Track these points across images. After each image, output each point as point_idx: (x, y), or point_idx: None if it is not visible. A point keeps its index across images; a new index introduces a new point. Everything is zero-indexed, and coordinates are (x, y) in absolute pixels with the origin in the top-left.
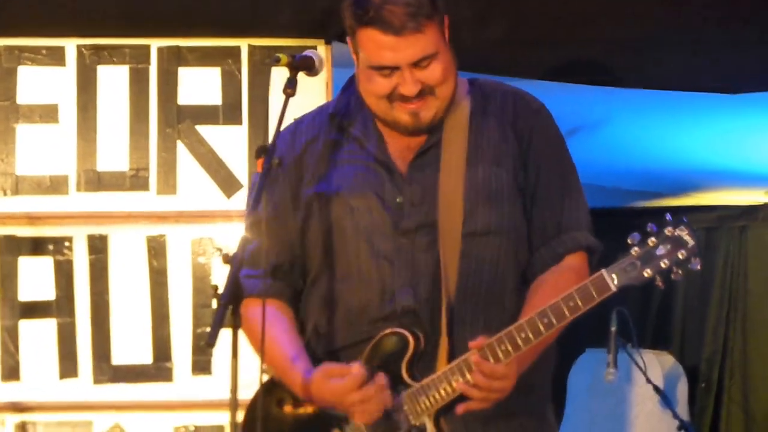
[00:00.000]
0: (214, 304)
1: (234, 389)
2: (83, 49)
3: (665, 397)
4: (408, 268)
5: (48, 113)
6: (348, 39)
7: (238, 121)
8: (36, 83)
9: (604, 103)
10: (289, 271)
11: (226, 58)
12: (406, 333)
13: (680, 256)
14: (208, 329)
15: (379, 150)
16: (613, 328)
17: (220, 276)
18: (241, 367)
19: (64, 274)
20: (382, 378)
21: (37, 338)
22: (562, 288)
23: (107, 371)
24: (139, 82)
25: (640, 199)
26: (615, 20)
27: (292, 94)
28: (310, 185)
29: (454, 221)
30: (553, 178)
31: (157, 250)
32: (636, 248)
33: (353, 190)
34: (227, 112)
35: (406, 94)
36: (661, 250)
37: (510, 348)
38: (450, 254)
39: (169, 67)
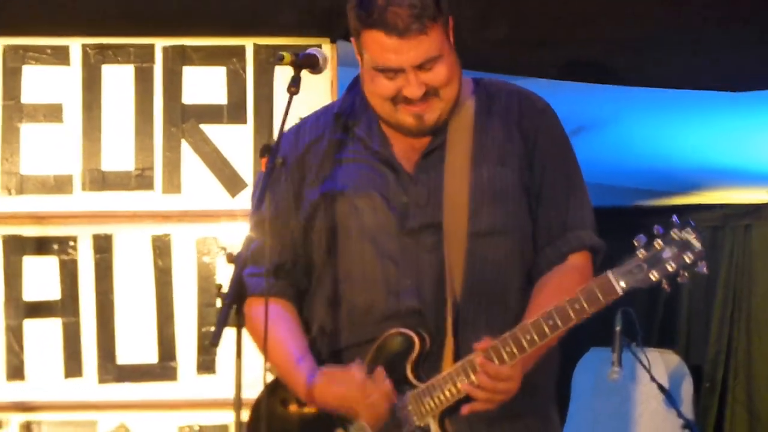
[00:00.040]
0: (219, 303)
1: (238, 388)
2: (88, 49)
3: (670, 397)
4: (413, 268)
5: (52, 113)
6: (352, 40)
7: (243, 120)
8: (40, 83)
9: (609, 102)
10: (292, 270)
11: (230, 57)
12: (412, 333)
13: (687, 260)
14: (213, 328)
15: (384, 150)
16: (618, 327)
17: (224, 275)
18: (246, 367)
19: (68, 274)
20: (381, 374)
21: (42, 338)
22: (566, 288)
23: (112, 371)
24: (143, 81)
25: (644, 197)
26: (618, 19)
27: (296, 93)
28: (314, 185)
29: (460, 221)
30: (557, 178)
31: (161, 249)
32: (642, 251)
33: (358, 190)
34: (232, 112)
35: (411, 97)
36: (667, 253)
37: (515, 350)
38: (455, 254)
39: (173, 66)
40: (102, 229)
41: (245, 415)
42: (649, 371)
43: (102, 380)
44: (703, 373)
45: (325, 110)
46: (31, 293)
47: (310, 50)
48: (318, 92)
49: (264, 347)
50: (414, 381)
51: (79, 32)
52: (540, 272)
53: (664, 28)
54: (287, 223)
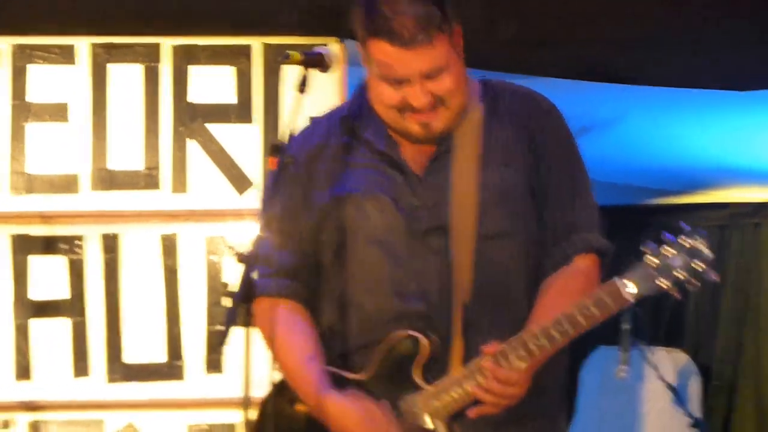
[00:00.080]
0: (227, 302)
1: (247, 388)
2: (94, 48)
3: (677, 395)
4: (420, 271)
5: (59, 112)
6: (359, 47)
7: (250, 120)
8: (47, 82)
9: (617, 100)
10: (303, 270)
11: (238, 56)
12: (420, 336)
13: (696, 267)
14: (221, 328)
15: (392, 153)
16: (626, 326)
17: (232, 274)
18: (254, 366)
19: (76, 273)
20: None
21: (49, 337)
22: (571, 291)
23: (120, 370)
24: (150, 80)
25: (652, 196)
26: (624, 19)
27: (304, 92)
28: (322, 187)
29: (467, 224)
30: (563, 179)
31: (169, 248)
32: (652, 258)
33: (367, 193)
34: (239, 111)
35: (417, 106)
36: (677, 261)
37: (524, 355)
38: (463, 257)
39: (180, 65)
40: (109, 228)
41: (253, 415)
42: (656, 370)
43: (109, 380)
44: (712, 372)
45: (333, 113)
46: (38, 293)
47: (317, 49)
48: (326, 91)
49: (273, 349)
50: (421, 384)
51: (85, 31)
52: (545, 274)
53: (670, 27)
54: (298, 223)
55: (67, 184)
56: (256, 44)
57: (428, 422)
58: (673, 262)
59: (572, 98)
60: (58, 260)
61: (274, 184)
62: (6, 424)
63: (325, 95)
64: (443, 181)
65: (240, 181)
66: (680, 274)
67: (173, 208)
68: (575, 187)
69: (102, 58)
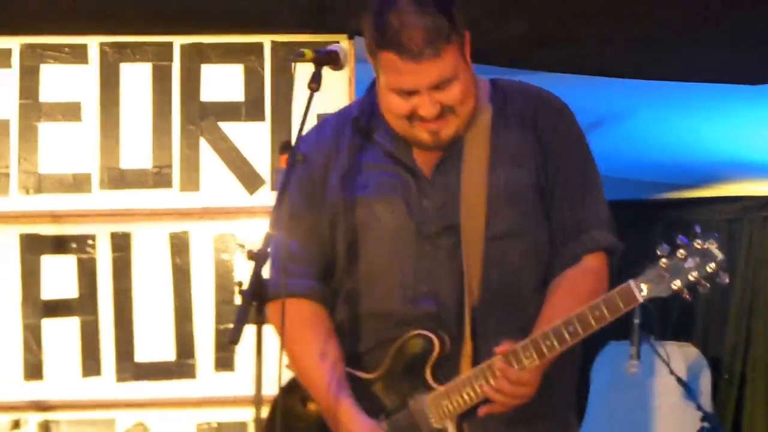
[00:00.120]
0: (238, 300)
1: (258, 386)
2: (106, 47)
3: (688, 389)
4: (431, 272)
5: (70, 111)
6: (369, 57)
7: (261, 118)
8: (58, 81)
9: (628, 95)
10: (319, 269)
11: (248, 54)
12: (432, 335)
13: (708, 270)
14: (231, 326)
15: (403, 154)
16: (636, 321)
17: (243, 272)
18: (265, 364)
19: (87, 272)
20: None
21: (60, 337)
22: (580, 290)
23: (130, 369)
24: (161, 79)
25: (663, 190)
26: (635, 13)
27: (317, 89)
28: (335, 187)
29: (477, 224)
30: (573, 178)
31: (180, 247)
32: (665, 260)
33: (377, 194)
34: (250, 109)
35: (425, 116)
36: (689, 263)
37: (535, 355)
38: (473, 257)
39: (191, 64)
40: (120, 227)
41: (265, 413)
42: (667, 364)
43: (120, 379)
44: (722, 366)
45: (344, 113)
46: (49, 292)
47: (330, 47)
48: (336, 89)
49: (291, 349)
50: (432, 383)
51: (97, 31)
52: (554, 273)
53: (682, 21)
54: (312, 222)
55: (77, 184)
56: (266, 42)
57: (438, 422)
58: (686, 264)
59: (583, 93)
60: (68, 259)
61: (288, 183)
62: (17, 424)
63: (334, 92)
64: (453, 182)
65: (250, 179)
66: (692, 276)
67: (184, 207)
68: (585, 186)
69: (113, 57)
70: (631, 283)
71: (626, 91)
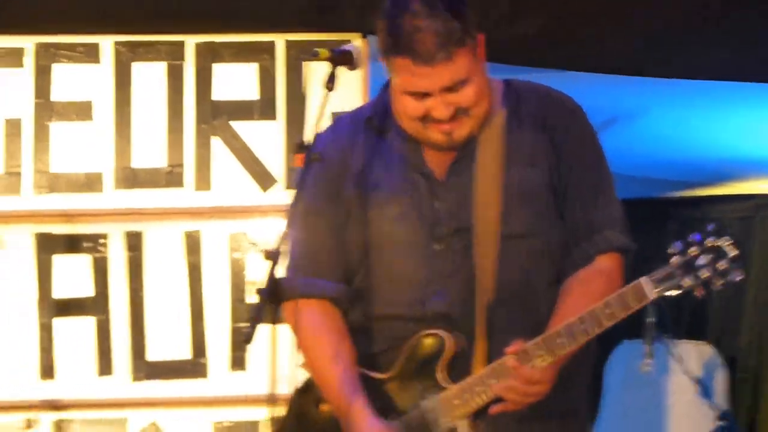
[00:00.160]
0: (252, 299)
1: (272, 385)
2: (118, 46)
3: (703, 388)
4: (444, 273)
5: (83, 111)
6: (382, 59)
7: (274, 117)
8: (71, 80)
9: (641, 93)
10: (335, 270)
11: (261, 53)
12: (444, 335)
13: (721, 267)
14: (245, 325)
15: (415, 156)
16: (650, 319)
17: (256, 271)
18: (279, 363)
19: (99, 272)
20: None
21: (73, 336)
22: (593, 291)
23: (143, 368)
24: (174, 78)
25: (676, 188)
26: (649, 11)
27: (332, 89)
28: (349, 187)
29: (490, 225)
30: (586, 178)
31: (192, 246)
32: (677, 257)
33: (389, 196)
34: (263, 108)
35: (439, 118)
36: (701, 261)
37: (547, 353)
38: (486, 258)
39: (204, 63)
40: (133, 226)
41: (278, 412)
42: (681, 363)
43: (133, 378)
44: (737, 364)
45: (358, 113)
46: (62, 291)
47: (346, 46)
48: (350, 88)
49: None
50: (444, 383)
51: (109, 30)
52: (566, 274)
53: (695, 19)
54: (333, 221)
55: (90, 183)
56: (278, 41)
57: (450, 421)
58: (698, 262)
59: (596, 92)
60: (81, 259)
61: (306, 182)
62: (30, 423)
63: (348, 91)
64: (466, 183)
65: (263, 178)
66: (704, 274)
67: (197, 206)
68: (598, 186)
69: (126, 56)
70: (643, 280)
71: (639, 89)
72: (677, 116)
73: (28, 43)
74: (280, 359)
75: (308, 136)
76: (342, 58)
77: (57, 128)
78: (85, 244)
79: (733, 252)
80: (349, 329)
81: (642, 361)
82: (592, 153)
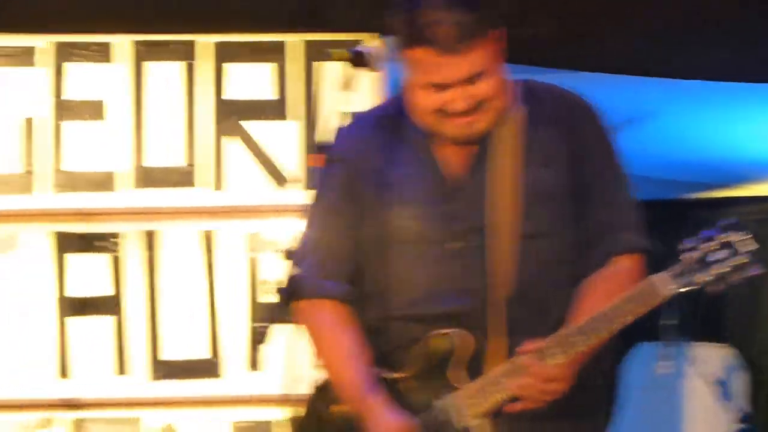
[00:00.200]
0: (267, 299)
1: (289, 385)
2: (132, 46)
3: (721, 390)
4: (459, 272)
5: (96, 110)
6: (398, 52)
7: (288, 117)
8: (84, 80)
9: (657, 94)
10: (350, 270)
11: (275, 53)
12: (458, 334)
13: (737, 262)
14: (261, 324)
15: (430, 154)
16: (669, 321)
17: (271, 271)
18: (295, 363)
19: (115, 271)
20: None
21: (89, 335)
22: (612, 291)
23: (160, 368)
24: (188, 78)
25: (691, 190)
26: (666, 11)
27: (350, 90)
28: (367, 186)
29: (506, 225)
30: (603, 180)
31: (208, 245)
32: (690, 254)
33: (406, 195)
34: (277, 108)
35: (456, 110)
36: (715, 256)
37: (561, 352)
38: (501, 258)
39: (218, 62)
40: (148, 225)
41: (294, 412)
42: (699, 365)
43: (149, 377)
44: (755, 366)
45: (376, 111)
46: (77, 290)
47: (363, 47)
48: (367, 88)
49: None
50: (458, 382)
51: (123, 29)
52: (585, 275)
53: (710, 19)
54: (346, 222)
55: (105, 182)
56: (293, 41)
57: (464, 421)
58: (713, 257)
59: (611, 92)
60: (97, 258)
61: (325, 182)
62: (47, 423)
63: (365, 91)
64: (482, 182)
65: (278, 178)
66: (720, 269)
67: (212, 205)
68: (615, 187)
69: (140, 55)
70: (657, 278)
71: (656, 90)
72: (693, 117)
73: (41, 42)
74: (296, 359)
75: (323, 136)
76: (359, 58)
77: (71, 127)
78: (100, 243)
79: (749, 246)
80: (364, 328)
81: (659, 363)
82: (609, 154)
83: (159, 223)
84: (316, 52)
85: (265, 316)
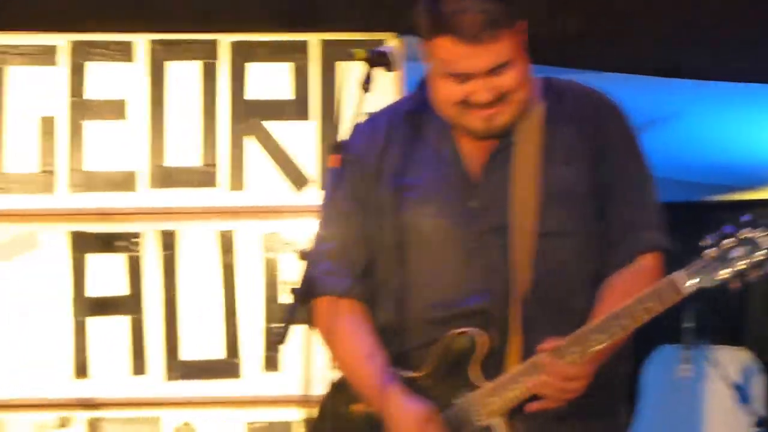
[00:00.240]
0: (285, 299)
1: (306, 386)
2: (152, 45)
3: (740, 394)
4: (479, 271)
5: (117, 109)
6: (422, 43)
7: (308, 116)
8: (104, 79)
9: (680, 95)
10: (365, 269)
11: (295, 52)
12: (477, 333)
13: (757, 258)
14: (279, 325)
15: (452, 153)
16: (689, 324)
17: (289, 271)
18: (312, 364)
19: (133, 271)
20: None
21: (107, 335)
22: (634, 290)
23: (177, 368)
24: (208, 77)
25: (714, 192)
26: (689, 13)
27: (368, 90)
28: (385, 185)
29: (527, 223)
30: (626, 178)
31: (226, 245)
32: (711, 250)
33: (427, 193)
34: (297, 107)
35: (481, 101)
36: (737, 252)
37: (581, 350)
38: (522, 256)
39: (238, 62)
40: (167, 225)
41: (312, 413)
42: (719, 368)
43: (167, 377)
44: None
45: (395, 108)
46: (96, 290)
47: (383, 47)
48: (385, 87)
49: (335, 350)
50: (478, 381)
51: (143, 28)
52: (606, 273)
53: (734, 21)
54: (361, 221)
55: (124, 182)
56: (313, 40)
57: (484, 419)
58: (733, 253)
59: (635, 93)
60: (115, 257)
61: (338, 182)
62: (64, 422)
63: (383, 91)
64: (503, 179)
65: (297, 178)
66: (740, 265)
67: (230, 205)
68: (638, 186)
69: (160, 55)
70: (677, 274)
71: (679, 91)
72: (715, 119)
73: (62, 41)
74: (313, 360)
75: (343, 136)
76: (378, 58)
77: (91, 127)
78: (119, 243)
79: None
80: (381, 328)
81: (680, 366)
82: (633, 152)
83: (178, 223)
84: (336, 52)
85: (283, 316)
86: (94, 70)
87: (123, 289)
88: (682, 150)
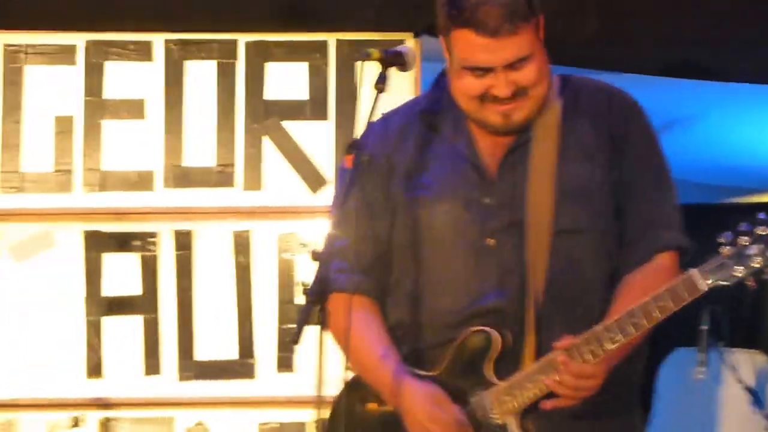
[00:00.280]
0: (300, 300)
1: (320, 386)
2: (171, 44)
3: (757, 397)
4: (495, 268)
5: (135, 109)
6: (441, 38)
7: (325, 117)
8: (123, 78)
9: (700, 97)
10: (378, 267)
11: (313, 52)
12: (492, 331)
13: None
14: (293, 326)
15: (468, 149)
16: (705, 327)
17: (305, 272)
18: (327, 364)
19: (149, 270)
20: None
21: (122, 334)
22: (651, 288)
23: (191, 368)
24: (226, 77)
25: (732, 195)
26: (710, 14)
27: (383, 90)
28: (399, 183)
29: (544, 220)
30: (645, 177)
31: (242, 245)
32: (727, 247)
33: (442, 190)
34: (314, 108)
35: (500, 96)
36: (753, 249)
37: (597, 348)
38: (538, 253)
39: (256, 62)
40: (182, 225)
41: (325, 414)
42: (735, 371)
43: (181, 377)
44: None
45: (411, 107)
46: (111, 289)
47: (398, 47)
48: (401, 88)
49: (347, 346)
50: (494, 379)
51: (161, 28)
52: (625, 271)
53: (756, 22)
54: (376, 220)
55: (141, 181)
56: (330, 40)
57: (500, 418)
58: (749, 250)
59: (655, 94)
60: (131, 257)
61: (351, 181)
62: (77, 421)
63: (399, 91)
64: (519, 176)
65: (314, 179)
66: (756, 263)
67: (247, 205)
68: (656, 184)
69: (178, 54)
70: (693, 272)
71: (698, 93)
72: (735, 120)
73: (80, 40)
74: (327, 361)
75: (356, 136)
76: (394, 58)
77: (108, 126)
78: (134, 243)
79: None
80: (396, 326)
81: (695, 369)
82: (652, 150)
83: (194, 223)
84: (353, 52)
85: (298, 317)
86: (112, 69)
87: (138, 288)
88: (701, 152)
